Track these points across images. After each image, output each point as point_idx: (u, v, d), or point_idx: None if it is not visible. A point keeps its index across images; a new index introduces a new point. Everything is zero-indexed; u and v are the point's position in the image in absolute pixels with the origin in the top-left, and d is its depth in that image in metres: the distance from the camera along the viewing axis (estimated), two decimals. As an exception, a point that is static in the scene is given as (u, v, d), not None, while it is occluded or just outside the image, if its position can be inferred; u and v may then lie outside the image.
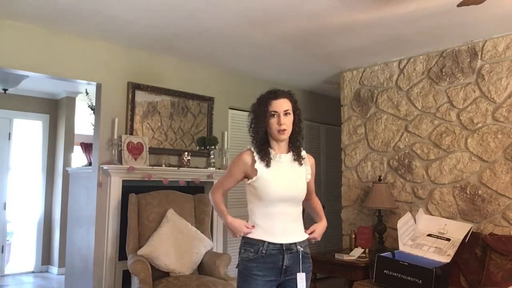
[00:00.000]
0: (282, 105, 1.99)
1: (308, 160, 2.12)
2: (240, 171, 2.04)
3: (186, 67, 4.46)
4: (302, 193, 2.05)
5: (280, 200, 1.97)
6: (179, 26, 3.44)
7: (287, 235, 1.98)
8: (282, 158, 2.03)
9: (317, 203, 2.25)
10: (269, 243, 1.95)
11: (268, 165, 1.98)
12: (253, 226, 1.99)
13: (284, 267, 1.96)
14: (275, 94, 2.02)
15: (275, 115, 1.98)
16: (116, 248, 3.76)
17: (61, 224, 5.71)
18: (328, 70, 4.77)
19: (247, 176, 2.03)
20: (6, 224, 5.85)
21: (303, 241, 2.04)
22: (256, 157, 2.00)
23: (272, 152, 2.02)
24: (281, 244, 1.96)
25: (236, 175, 2.06)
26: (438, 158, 3.88)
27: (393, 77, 4.27)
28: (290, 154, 2.06)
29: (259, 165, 1.98)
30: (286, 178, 2.00)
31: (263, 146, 2.00)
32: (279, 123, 1.97)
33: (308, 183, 2.11)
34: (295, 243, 1.99)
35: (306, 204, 2.22)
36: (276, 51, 4.07)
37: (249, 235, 1.99)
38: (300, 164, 2.06)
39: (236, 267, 2.07)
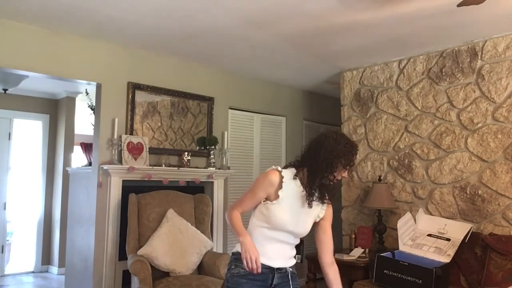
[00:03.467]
0: None
1: (328, 206, 2.07)
2: (265, 192, 1.94)
3: (186, 67, 4.46)
4: (307, 232, 2.03)
5: (284, 231, 1.97)
6: (179, 26, 3.44)
7: (280, 261, 2.00)
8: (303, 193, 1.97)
9: (337, 279, 2.06)
10: (261, 262, 1.91)
11: (304, 204, 1.94)
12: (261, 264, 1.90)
13: (273, 285, 1.99)
14: (357, 149, 1.98)
15: (351, 168, 1.97)
16: (116, 248, 3.76)
17: (61, 224, 5.72)
18: (328, 70, 4.77)
19: (266, 197, 1.97)
20: (6, 224, 5.85)
21: (293, 266, 2.07)
22: (285, 184, 1.93)
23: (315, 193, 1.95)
24: (273, 267, 1.98)
25: (260, 196, 1.95)
26: (438, 158, 3.88)
27: (393, 77, 4.27)
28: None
29: (284, 193, 1.92)
30: (299, 214, 1.97)
31: (317, 183, 1.92)
32: (341, 177, 1.96)
33: (325, 229, 2.06)
34: (285, 267, 2.02)
35: (324, 272, 2.07)
36: (276, 51, 4.07)
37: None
38: (319, 203, 2.02)
39: (222, 287, 2.06)
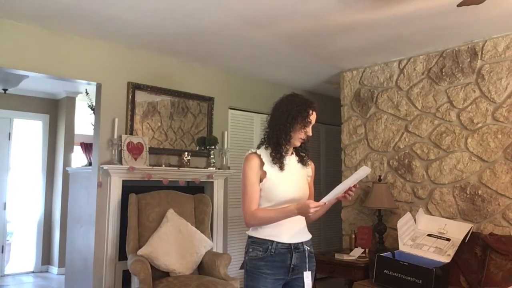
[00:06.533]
0: (315, 117, 2.10)
1: (310, 164, 2.18)
2: (257, 174, 2.00)
3: (186, 67, 4.46)
4: (306, 194, 2.10)
5: (287, 201, 1.99)
6: (179, 26, 3.44)
7: (294, 235, 2.02)
8: (286, 159, 2.06)
9: None
10: (277, 242, 1.97)
11: (282, 168, 2.01)
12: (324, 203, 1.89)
13: (292, 266, 1.99)
14: (314, 106, 2.09)
15: (309, 125, 2.05)
16: (116, 248, 3.76)
17: (61, 224, 5.71)
18: (328, 70, 4.77)
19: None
20: (6, 224, 5.85)
21: (309, 241, 2.08)
22: (265, 159, 2.01)
23: (286, 156, 2.05)
24: (290, 244, 1.99)
25: (257, 181, 2.00)
26: (438, 158, 3.88)
27: (393, 77, 4.27)
28: (294, 155, 2.11)
29: (269, 167, 2.00)
30: (292, 180, 2.04)
31: (279, 148, 2.02)
32: (307, 134, 2.05)
33: (310, 185, 2.15)
34: (302, 243, 2.03)
35: None
36: (276, 51, 4.07)
37: (257, 235, 2.00)
38: (303, 165, 2.12)
39: (241, 268, 2.08)
